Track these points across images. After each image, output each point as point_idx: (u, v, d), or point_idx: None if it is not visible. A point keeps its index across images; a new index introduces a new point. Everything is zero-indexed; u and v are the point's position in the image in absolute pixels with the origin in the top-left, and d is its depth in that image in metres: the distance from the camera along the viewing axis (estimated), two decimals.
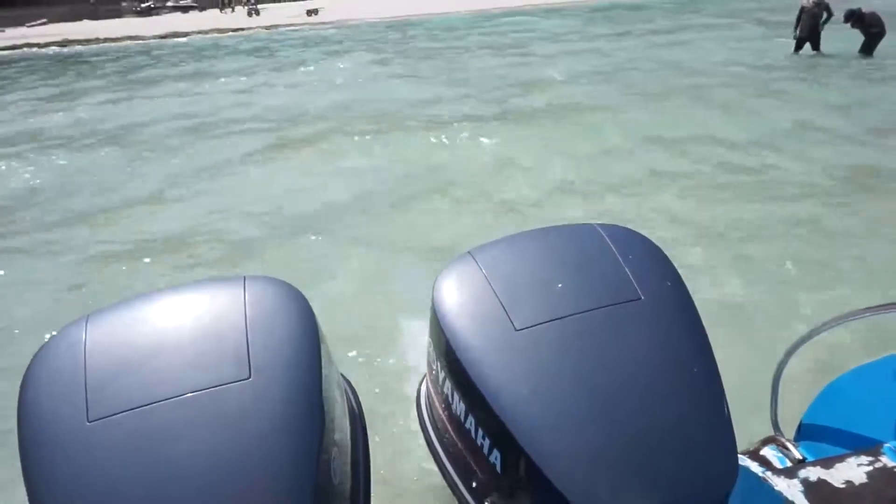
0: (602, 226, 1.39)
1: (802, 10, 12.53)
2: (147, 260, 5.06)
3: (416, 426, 1.55)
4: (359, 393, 1.52)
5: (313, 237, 5.30)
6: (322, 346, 1.18)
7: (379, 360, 3.23)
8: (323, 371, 1.13)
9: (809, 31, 12.53)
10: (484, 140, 8.09)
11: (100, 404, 1.03)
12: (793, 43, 12.80)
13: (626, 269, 1.27)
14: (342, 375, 1.45)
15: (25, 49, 28.02)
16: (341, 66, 15.80)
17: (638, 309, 1.21)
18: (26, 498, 0.96)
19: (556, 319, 1.20)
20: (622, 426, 1.06)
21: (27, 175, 7.91)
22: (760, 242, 4.66)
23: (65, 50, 27.00)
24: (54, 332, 1.18)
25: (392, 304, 3.93)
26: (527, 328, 1.19)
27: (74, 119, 11.38)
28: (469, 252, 1.37)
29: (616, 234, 1.37)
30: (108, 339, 1.12)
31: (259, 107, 11.28)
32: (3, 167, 8.31)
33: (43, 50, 27.39)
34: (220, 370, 1.06)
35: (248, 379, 1.05)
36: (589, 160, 6.90)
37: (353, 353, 3.30)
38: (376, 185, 6.55)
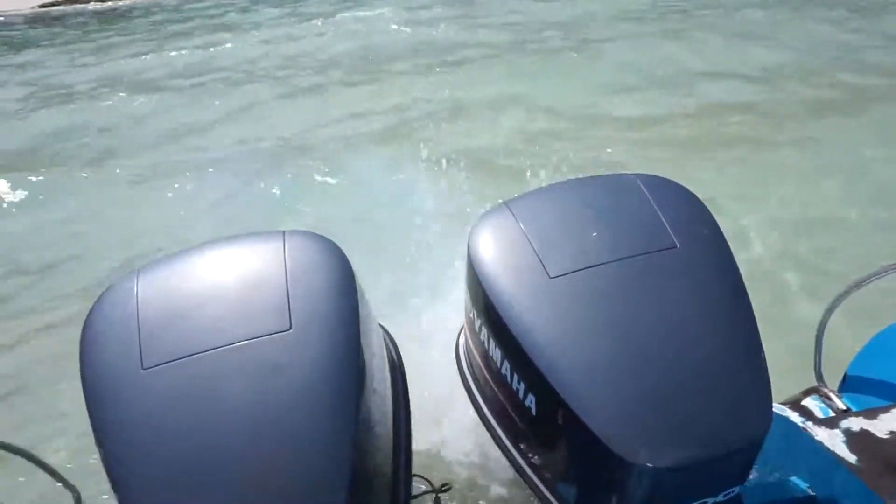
0: (640, 176, 1.37)
1: None
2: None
3: (455, 374, 1.58)
4: (398, 341, 1.56)
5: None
6: (360, 299, 1.21)
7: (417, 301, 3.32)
8: (361, 322, 1.16)
9: None
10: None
11: (152, 353, 1.09)
12: None
13: (663, 219, 1.26)
14: (381, 326, 1.49)
15: (65, 6, 28.31)
16: None
17: (674, 257, 1.20)
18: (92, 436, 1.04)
19: (591, 267, 1.20)
20: (656, 372, 1.07)
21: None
22: None
23: (99, 6, 27.19)
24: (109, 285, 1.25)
25: None
26: (561, 276, 1.20)
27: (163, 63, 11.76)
28: (504, 203, 1.37)
29: (654, 183, 1.35)
30: (158, 292, 1.18)
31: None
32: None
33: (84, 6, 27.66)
34: (263, 322, 1.11)
35: (288, 330, 1.09)
36: None
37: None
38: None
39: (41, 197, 6.02)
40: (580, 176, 1.45)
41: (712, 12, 11.40)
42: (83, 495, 1.59)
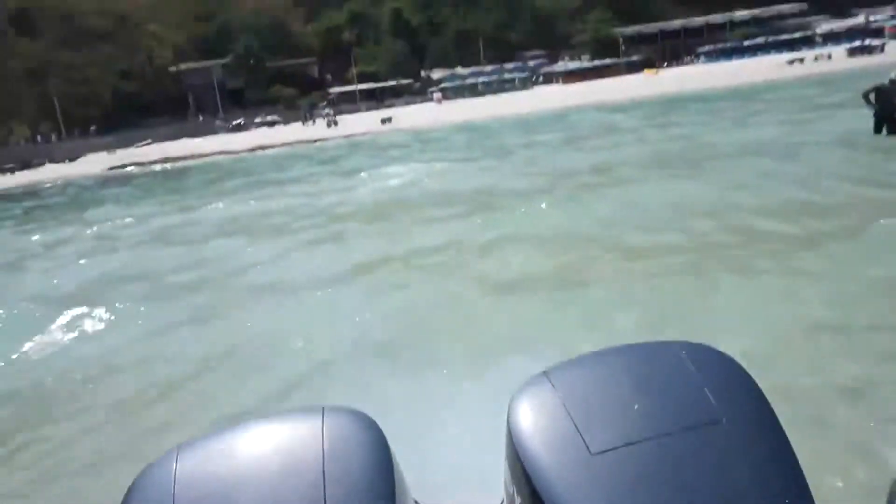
0: (682, 344, 1.37)
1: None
2: None
3: None
4: None
5: None
6: (397, 478, 1.20)
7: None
8: (397, 502, 1.14)
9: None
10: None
11: None
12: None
13: (707, 391, 1.23)
14: (416, 502, 1.45)
15: (132, 168, 31.14)
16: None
17: (718, 431, 1.17)
18: None
19: (633, 444, 1.17)
20: None
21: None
22: None
23: (167, 166, 29.84)
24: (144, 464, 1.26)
25: None
26: (602, 452, 1.16)
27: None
28: (544, 373, 1.37)
29: (697, 353, 1.34)
30: (196, 475, 1.18)
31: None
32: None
33: (150, 168, 30.41)
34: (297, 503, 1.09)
35: None
36: None
37: None
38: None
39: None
40: (622, 344, 1.45)
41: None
42: None
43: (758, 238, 6.60)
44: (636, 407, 1.24)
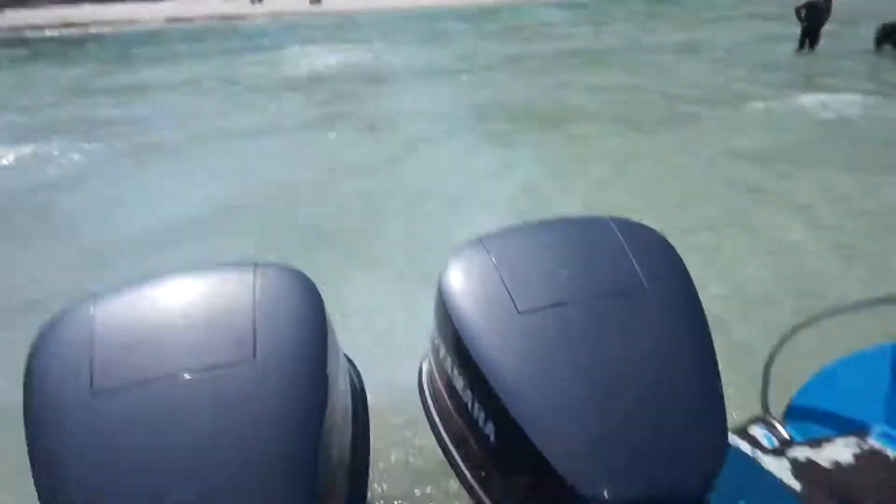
0: (613, 219, 1.41)
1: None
2: None
3: (417, 402, 1.58)
4: (361, 366, 1.56)
5: None
6: (329, 331, 1.20)
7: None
8: (329, 353, 1.15)
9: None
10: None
11: (104, 376, 1.04)
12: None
13: (634, 261, 1.30)
14: (346, 357, 1.48)
15: (28, 32, 27.87)
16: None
17: (642, 299, 1.23)
18: (28, 463, 0.97)
19: (559, 305, 1.22)
20: (618, 410, 1.09)
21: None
22: None
23: (67, 32, 26.90)
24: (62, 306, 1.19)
25: None
26: (529, 311, 1.21)
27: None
28: (479, 239, 1.39)
29: (626, 227, 1.39)
30: (116, 318, 1.14)
31: None
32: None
33: (44, 33, 27.32)
34: (226, 351, 1.08)
35: (252, 360, 1.07)
36: None
37: None
38: None
39: None
40: (557, 217, 1.49)
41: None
42: None
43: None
44: (565, 273, 1.29)
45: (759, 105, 8.80)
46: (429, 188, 5.70)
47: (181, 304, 1.18)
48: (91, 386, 1.03)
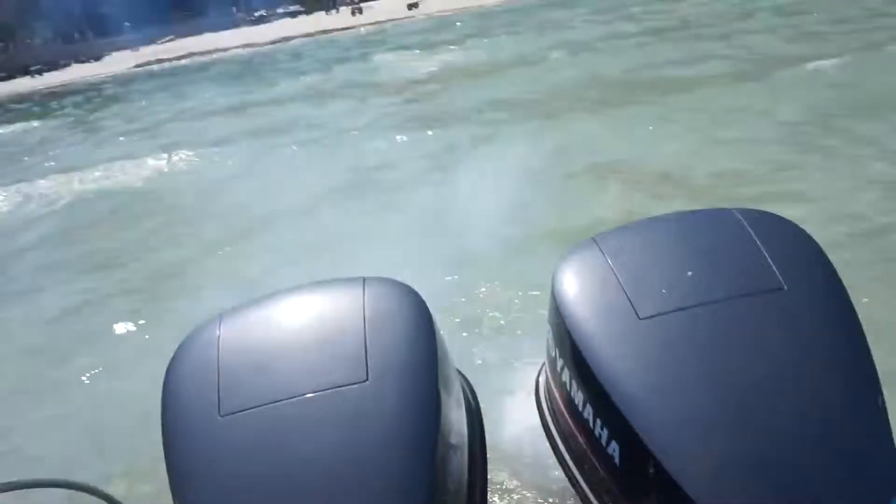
0: (741, 210, 1.28)
1: None
2: None
3: (535, 416, 1.52)
4: (476, 382, 1.52)
5: None
6: (438, 346, 1.19)
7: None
8: (439, 371, 1.13)
9: None
10: None
11: (230, 400, 1.10)
12: None
13: (767, 257, 1.16)
14: (459, 372, 1.46)
15: (156, 66, 30.76)
16: None
17: (779, 299, 1.10)
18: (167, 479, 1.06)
19: (684, 309, 1.12)
20: (758, 427, 0.97)
21: None
22: None
23: (189, 62, 29.43)
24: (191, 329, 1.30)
25: None
26: (652, 317, 1.12)
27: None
28: (593, 238, 1.32)
29: (756, 219, 1.26)
30: (239, 339, 1.20)
31: None
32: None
33: (175, 63, 30.04)
34: (340, 372, 1.10)
35: (365, 381, 1.08)
36: None
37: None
38: None
39: None
40: (677, 210, 1.37)
41: None
42: None
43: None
44: (690, 273, 1.18)
45: None
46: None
47: (296, 323, 1.21)
48: (219, 410, 1.08)
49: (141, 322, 4.22)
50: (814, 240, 1.22)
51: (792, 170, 4.96)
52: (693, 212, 1.35)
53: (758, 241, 1.19)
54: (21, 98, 26.67)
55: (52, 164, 10.91)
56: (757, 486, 0.93)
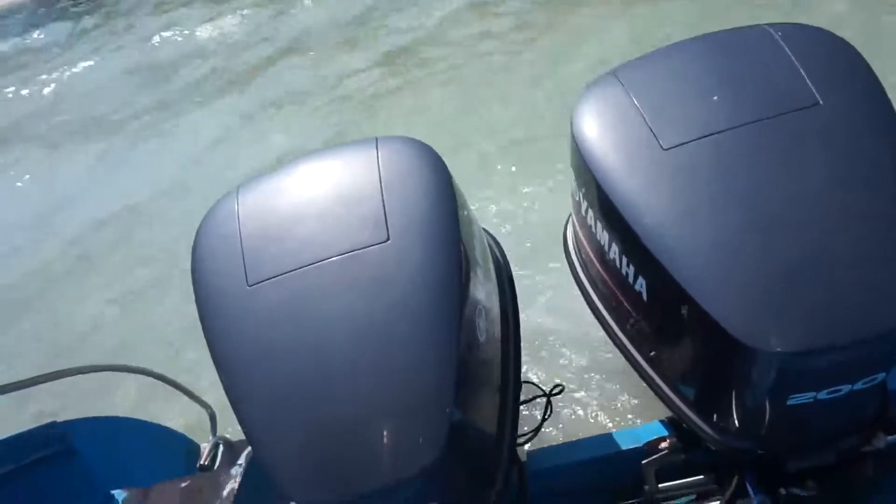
0: (775, 26, 1.17)
1: None
2: None
3: (564, 265, 1.52)
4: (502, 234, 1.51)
5: None
6: (459, 203, 1.15)
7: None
8: (462, 228, 1.10)
9: None
10: None
11: (256, 269, 1.10)
12: None
13: (802, 72, 1.08)
14: (484, 230, 1.44)
15: None
16: None
17: (814, 115, 1.03)
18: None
19: (712, 135, 1.06)
20: (788, 247, 0.94)
21: None
22: None
23: None
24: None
25: None
26: (677, 146, 1.07)
27: None
28: (612, 72, 1.23)
29: (792, 33, 1.16)
30: (259, 210, 1.19)
31: None
32: None
33: None
34: (360, 234, 1.08)
35: (386, 241, 1.06)
36: None
37: None
38: None
39: None
40: (701, 34, 1.27)
41: None
42: (217, 413, 1.70)
43: None
44: (716, 97, 1.11)
45: None
46: None
47: (314, 189, 1.19)
48: (246, 280, 1.09)
49: None
50: (856, 50, 1.12)
51: None
52: (720, 32, 1.25)
53: (792, 57, 1.10)
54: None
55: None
56: (783, 303, 0.91)
